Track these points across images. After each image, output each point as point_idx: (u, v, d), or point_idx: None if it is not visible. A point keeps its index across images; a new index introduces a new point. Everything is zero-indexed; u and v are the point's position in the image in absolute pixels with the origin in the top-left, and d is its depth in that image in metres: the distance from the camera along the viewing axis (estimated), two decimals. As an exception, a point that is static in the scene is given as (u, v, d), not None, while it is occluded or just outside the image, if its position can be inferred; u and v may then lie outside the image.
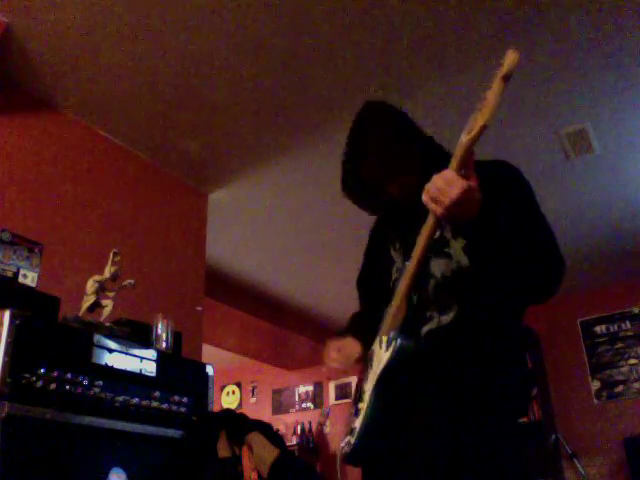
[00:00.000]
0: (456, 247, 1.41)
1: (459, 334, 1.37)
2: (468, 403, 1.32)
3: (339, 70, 2.93)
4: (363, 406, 1.41)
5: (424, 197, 1.23)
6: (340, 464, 1.49)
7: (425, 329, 1.40)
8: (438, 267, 1.42)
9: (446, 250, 1.42)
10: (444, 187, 1.19)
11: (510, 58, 1.14)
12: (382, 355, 1.38)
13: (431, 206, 1.23)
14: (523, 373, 1.48)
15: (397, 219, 1.59)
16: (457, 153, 1.20)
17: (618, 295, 5.47)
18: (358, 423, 1.42)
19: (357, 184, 1.49)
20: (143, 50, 2.77)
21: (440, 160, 1.30)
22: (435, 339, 1.38)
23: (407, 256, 1.45)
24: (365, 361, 1.49)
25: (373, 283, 1.64)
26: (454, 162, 1.21)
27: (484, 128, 1.15)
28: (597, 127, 3.44)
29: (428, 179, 1.25)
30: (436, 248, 1.41)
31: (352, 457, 1.46)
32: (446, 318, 1.39)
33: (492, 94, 1.15)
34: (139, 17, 2.59)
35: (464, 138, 1.18)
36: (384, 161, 1.44)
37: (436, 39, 2.79)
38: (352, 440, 1.43)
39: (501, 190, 1.33)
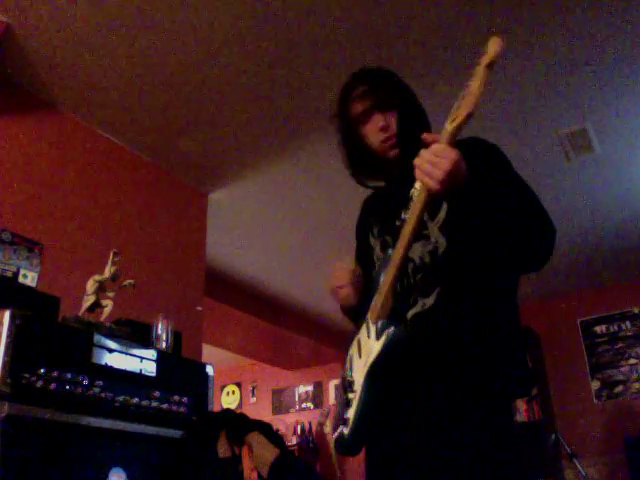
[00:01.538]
0: (433, 228, 1.41)
1: (443, 315, 1.37)
2: (458, 385, 1.32)
3: (339, 71, 2.93)
4: (355, 396, 1.41)
5: (417, 174, 1.22)
6: (335, 456, 1.49)
7: (411, 313, 1.40)
8: (416, 251, 1.42)
9: (424, 232, 1.42)
10: (435, 159, 1.18)
11: (494, 46, 1.14)
12: (372, 345, 1.37)
13: (425, 181, 1.20)
14: (518, 348, 1.42)
15: (377, 203, 1.62)
16: (442, 139, 1.20)
17: (618, 295, 5.47)
18: (351, 414, 1.41)
19: (344, 129, 1.54)
20: (143, 50, 2.77)
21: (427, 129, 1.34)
22: (420, 322, 1.38)
23: (384, 239, 1.48)
24: (349, 350, 1.50)
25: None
26: None
27: (469, 116, 1.15)
28: (597, 127, 3.44)
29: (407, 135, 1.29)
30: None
31: (347, 447, 1.46)
32: (429, 300, 1.39)
33: (476, 83, 1.14)
34: (139, 17, 2.59)
35: (448, 125, 1.18)
36: (368, 97, 1.49)
37: (435, 41, 2.79)
38: (346, 431, 1.43)
39: (482, 160, 1.33)
